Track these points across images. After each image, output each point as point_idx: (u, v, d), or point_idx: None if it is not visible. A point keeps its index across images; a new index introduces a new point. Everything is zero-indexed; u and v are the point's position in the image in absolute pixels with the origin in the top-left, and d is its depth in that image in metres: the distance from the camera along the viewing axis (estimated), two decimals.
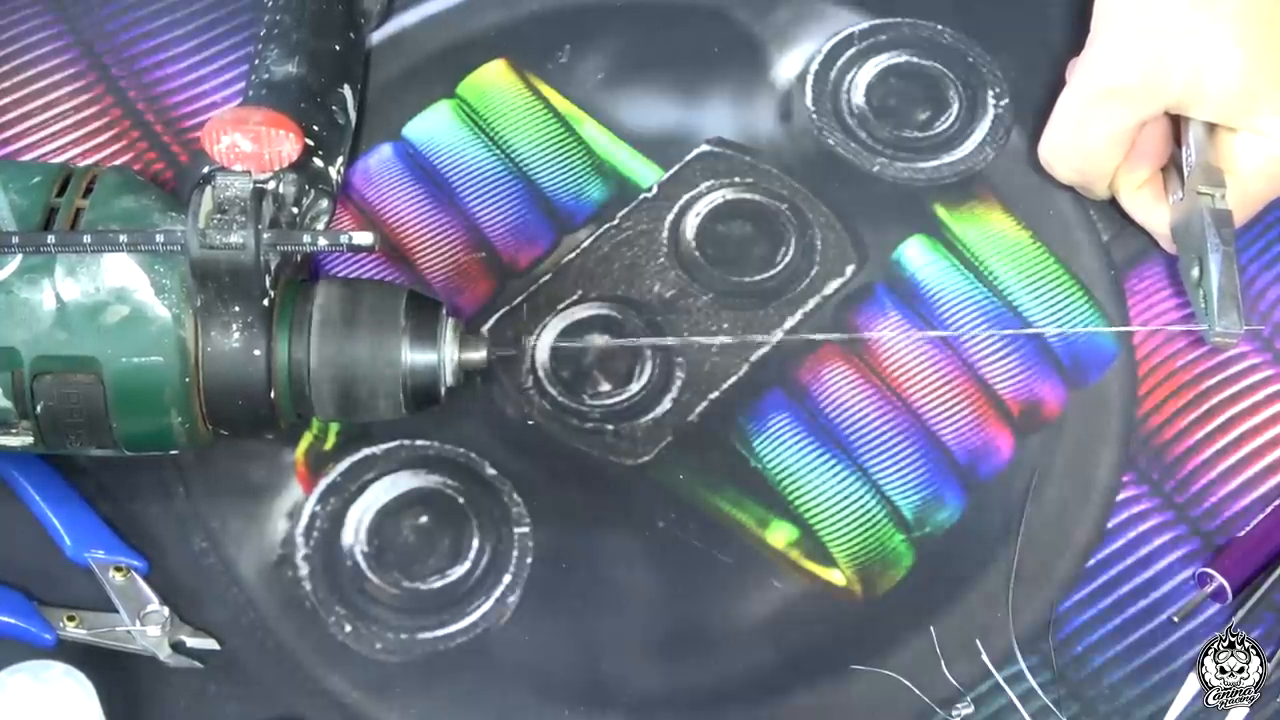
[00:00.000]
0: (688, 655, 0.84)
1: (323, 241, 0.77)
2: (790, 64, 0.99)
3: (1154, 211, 0.93)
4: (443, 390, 0.81)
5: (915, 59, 0.99)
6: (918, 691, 0.83)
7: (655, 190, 0.95)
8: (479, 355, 0.81)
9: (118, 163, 0.94)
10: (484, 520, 0.87)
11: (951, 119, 0.97)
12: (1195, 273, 0.89)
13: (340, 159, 0.90)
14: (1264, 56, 0.88)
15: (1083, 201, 0.95)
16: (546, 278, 0.92)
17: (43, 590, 0.84)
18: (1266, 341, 0.92)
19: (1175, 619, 0.86)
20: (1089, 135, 0.92)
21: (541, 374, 0.90)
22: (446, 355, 0.80)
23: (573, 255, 0.93)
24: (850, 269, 0.93)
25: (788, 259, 0.93)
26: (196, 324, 0.78)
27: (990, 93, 0.98)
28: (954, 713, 0.83)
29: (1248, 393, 0.91)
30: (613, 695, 0.84)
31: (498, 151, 0.96)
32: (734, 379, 0.90)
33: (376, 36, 0.98)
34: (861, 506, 0.88)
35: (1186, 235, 0.90)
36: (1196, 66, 0.88)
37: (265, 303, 0.78)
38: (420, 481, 0.88)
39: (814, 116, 0.97)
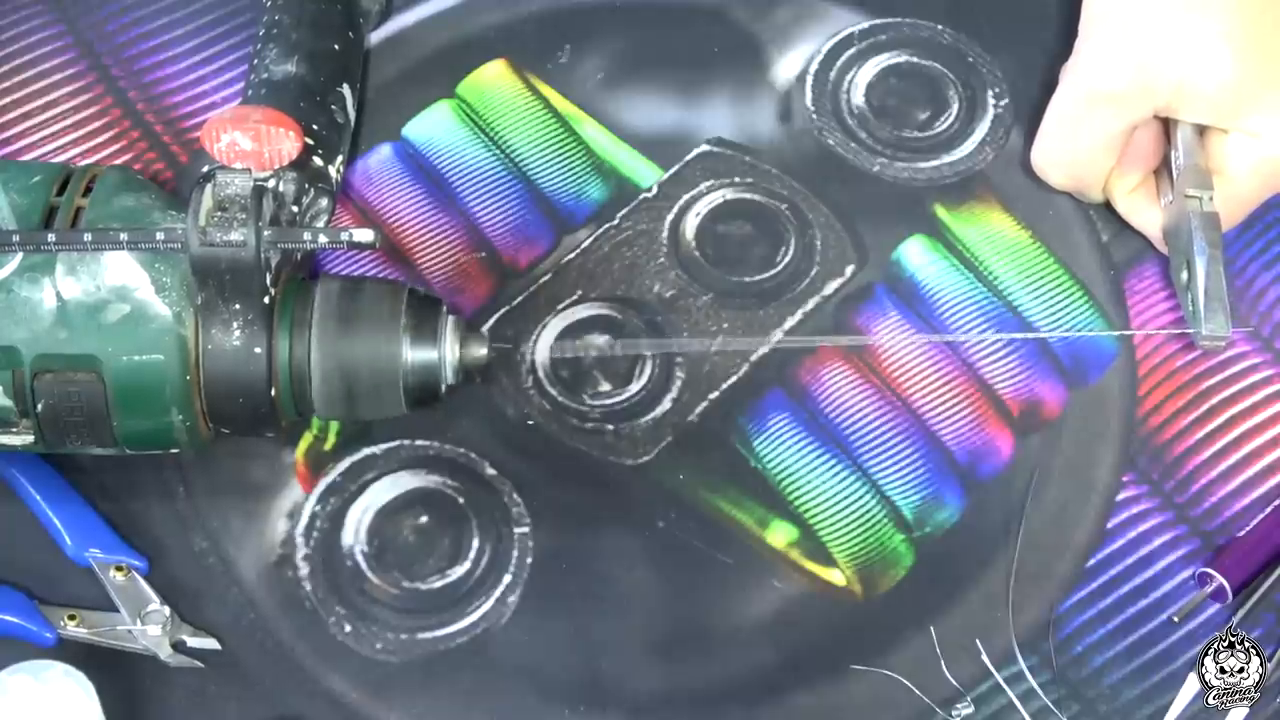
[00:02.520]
0: (688, 655, 0.84)
1: (323, 239, 0.77)
2: (790, 64, 0.99)
3: (1147, 214, 0.93)
4: (443, 388, 0.81)
5: (915, 59, 0.99)
6: (918, 692, 0.83)
7: (655, 190, 0.95)
8: (480, 353, 0.81)
9: (117, 163, 0.94)
10: (484, 520, 0.87)
11: (951, 119, 0.97)
12: (1184, 276, 0.89)
13: (340, 158, 0.90)
14: (1253, 56, 0.88)
15: (1082, 202, 0.95)
16: (546, 278, 0.92)
17: (43, 590, 0.84)
18: (1266, 341, 0.92)
19: (1175, 619, 0.86)
20: (1080, 141, 0.92)
21: (541, 374, 0.90)
22: (447, 353, 0.80)
23: (573, 255, 0.93)
24: (850, 269, 0.93)
25: (787, 259, 0.93)
26: (197, 322, 0.78)
27: (990, 93, 0.98)
28: (954, 713, 0.83)
29: (1248, 393, 0.91)
30: (612, 695, 0.83)
31: (497, 152, 0.96)
32: (734, 379, 0.90)
33: (376, 37, 0.98)
34: (861, 506, 0.88)
35: (1175, 238, 0.90)
36: (1186, 68, 0.88)
37: (266, 301, 0.78)
38: (420, 481, 0.88)
39: (814, 116, 0.97)
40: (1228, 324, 0.87)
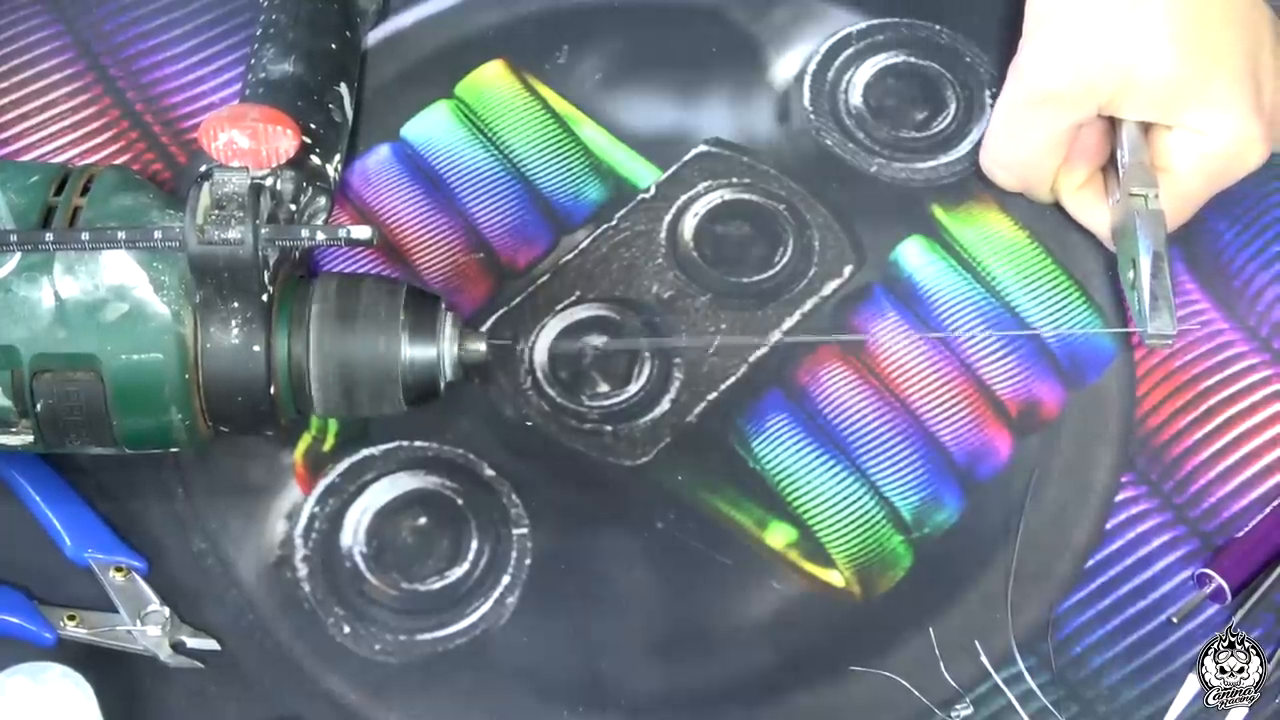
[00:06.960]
0: (687, 656, 0.84)
1: (321, 236, 0.77)
2: (788, 64, 0.99)
3: (1095, 213, 0.93)
4: (442, 385, 0.81)
5: (913, 59, 0.99)
6: (916, 693, 0.83)
7: (653, 191, 0.95)
8: (478, 349, 0.81)
9: (116, 163, 0.94)
10: (483, 521, 0.87)
11: (949, 119, 0.97)
12: (1130, 274, 0.89)
13: (337, 157, 0.90)
14: (1194, 52, 0.87)
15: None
16: (545, 278, 0.92)
17: (43, 590, 0.84)
18: (1265, 341, 0.92)
19: (1174, 620, 0.86)
20: (1025, 141, 0.91)
21: (540, 375, 0.90)
22: (445, 350, 0.80)
23: (571, 256, 0.93)
24: (848, 270, 0.93)
25: (785, 259, 0.93)
26: (196, 320, 0.78)
27: (988, 93, 0.98)
28: (953, 714, 0.83)
29: (1246, 393, 0.91)
30: (612, 696, 0.83)
31: (496, 152, 0.95)
32: (732, 380, 0.90)
33: (374, 37, 0.98)
34: (860, 507, 0.88)
35: (1122, 236, 0.90)
36: (1128, 66, 0.87)
37: (264, 298, 0.78)
38: (419, 482, 0.88)
39: (812, 117, 0.97)
40: (1173, 322, 0.87)
